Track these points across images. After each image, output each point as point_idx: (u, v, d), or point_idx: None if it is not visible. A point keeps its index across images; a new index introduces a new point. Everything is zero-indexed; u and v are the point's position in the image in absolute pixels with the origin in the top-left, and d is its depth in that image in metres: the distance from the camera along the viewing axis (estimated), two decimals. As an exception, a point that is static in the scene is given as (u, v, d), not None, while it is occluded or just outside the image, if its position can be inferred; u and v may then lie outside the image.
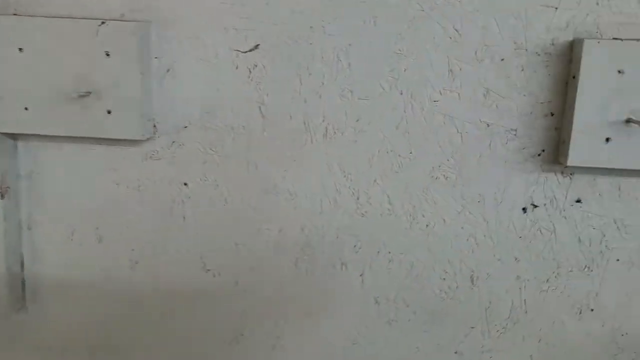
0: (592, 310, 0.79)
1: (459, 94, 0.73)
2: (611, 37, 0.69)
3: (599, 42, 0.67)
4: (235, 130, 0.78)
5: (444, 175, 0.76)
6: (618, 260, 0.77)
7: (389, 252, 0.80)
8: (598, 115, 0.68)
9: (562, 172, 0.75)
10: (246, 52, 0.75)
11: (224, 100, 0.77)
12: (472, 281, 0.80)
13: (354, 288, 0.81)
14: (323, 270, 0.81)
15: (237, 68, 0.76)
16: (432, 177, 0.76)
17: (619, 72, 0.67)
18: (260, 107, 0.76)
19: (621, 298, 0.78)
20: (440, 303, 0.81)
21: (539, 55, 0.71)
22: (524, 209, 0.76)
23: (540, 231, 0.77)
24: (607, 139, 0.69)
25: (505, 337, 0.81)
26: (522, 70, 0.72)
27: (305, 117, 0.76)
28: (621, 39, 0.67)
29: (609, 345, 0.79)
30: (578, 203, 0.75)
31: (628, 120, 0.68)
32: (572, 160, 0.70)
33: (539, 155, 0.74)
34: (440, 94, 0.74)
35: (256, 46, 0.75)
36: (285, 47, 0.74)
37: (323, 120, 0.76)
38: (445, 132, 0.75)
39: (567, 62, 0.70)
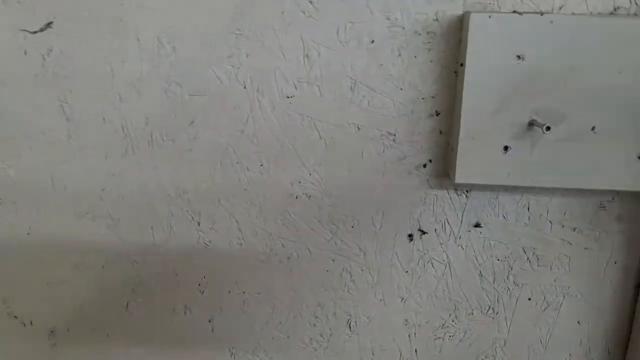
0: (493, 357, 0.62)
1: (318, 87, 0.55)
2: (511, 10, 0.51)
3: (490, 17, 0.49)
4: (32, 139, 0.58)
5: (306, 194, 0.58)
6: (530, 299, 0.60)
7: (243, 292, 0.62)
8: (492, 116, 0.51)
9: (455, 189, 0.57)
10: (36, 32, 0.56)
11: (13, 98, 0.57)
12: (349, 327, 0.62)
13: (203, 337, 0.63)
14: (160, 314, 0.63)
15: (25, 54, 0.56)
16: (292, 195, 0.58)
17: (519, 57, 0.49)
18: (62, 107, 0.57)
19: (534, 346, 0.61)
20: (311, 355, 0.63)
21: (419, 34, 0.53)
22: (410, 236, 0.59)
23: (432, 264, 0.59)
24: (506, 148, 0.51)
25: (394, 395, 0.64)
26: (399, 55, 0.54)
27: (122, 119, 0.57)
28: (520, 13, 0.49)
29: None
30: (477, 228, 0.58)
31: (531, 123, 0.50)
32: (461, 175, 0.53)
33: (424, 166, 0.56)
34: (295, 87, 0.55)
35: (48, 24, 0.55)
36: (87, 25, 0.55)
37: (146, 124, 0.57)
38: (305, 137, 0.56)
39: (456, 44, 0.53)
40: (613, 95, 0.49)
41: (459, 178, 0.53)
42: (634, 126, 0.50)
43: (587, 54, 0.49)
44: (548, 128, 0.48)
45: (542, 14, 0.49)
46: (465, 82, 0.50)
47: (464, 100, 0.51)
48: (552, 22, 0.48)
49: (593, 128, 0.50)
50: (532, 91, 0.50)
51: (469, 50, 0.50)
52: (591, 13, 0.51)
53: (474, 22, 0.49)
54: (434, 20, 0.53)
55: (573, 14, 0.50)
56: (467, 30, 0.49)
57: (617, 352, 0.60)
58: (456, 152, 0.52)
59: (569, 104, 0.50)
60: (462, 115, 0.51)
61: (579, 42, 0.48)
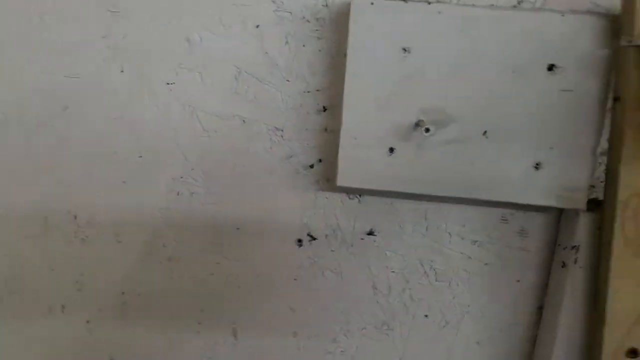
0: (394, 381, 0.57)
1: (200, 74, 0.50)
2: None
3: (372, 4, 0.44)
4: None
5: (188, 190, 0.53)
6: (427, 316, 0.55)
7: (122, 293, 0.57)
8: (376, 114, 0.46)
9: (347, 193, 0.52)
10: None
11: None
12: (234, 335, 0.57)
13: (80, 339, 0.59)
14: (36, 312, 0.58)
15: None
16: (172, 191, 0.53)
17: (405, 50, 0.45)
18: None
19: (431, 367, 0.56)
20: (194, 363, 0.58)
21: (308, 21, 0.49)
22: (299, 241, 0.54)
23: (322, 272, 0.54)
24: (391, 149, 0.47)
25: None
26: (286, 43, 0.49)
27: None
28: (406, 0, 0.44)
29: None
30: (371, 236, 0.53)
31: (418, 124, 0.45)
32: (343, 178, 0.48)
33: (311, 167, 0.52)
34: (177, 73, 0.51)
35: None
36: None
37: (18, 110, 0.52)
38: (186, 128, 0.52)
39: (346, 32, 0.48)
40: (507, 96, 0.45)
41: (341, 181, 0.48)
42: (530, 132, 0.45)
43: (479, 49, 0.44)
44: (427, 130, 0.43)
45: (429, 3, 0.44)
46: (346, 76, 0.46)
47: (345, 96, 0.46)
48: (440, 12, 0.44)
49: (485, 132, 0.45)
50: (418, 88, 0.45)
51: (350, 40, 0.45)
52: (493, 5, 0.46)
53: (356, 9, 0.44)
54: (323, 6, 0.48)
55: (473, 5, 0.46)
56: (349, 18, 0.44)
57: (519, 377, 0.56)
58: (336, 152, 0.47)
59: (458, 105, 0.45)
60: (343, 112, 0.46)
61: (470, 36, 0.44)
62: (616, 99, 0.43)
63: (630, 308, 0.44)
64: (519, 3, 0.47)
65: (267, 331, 0.57)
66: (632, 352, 0.45)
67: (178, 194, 0.54)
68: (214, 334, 0.57)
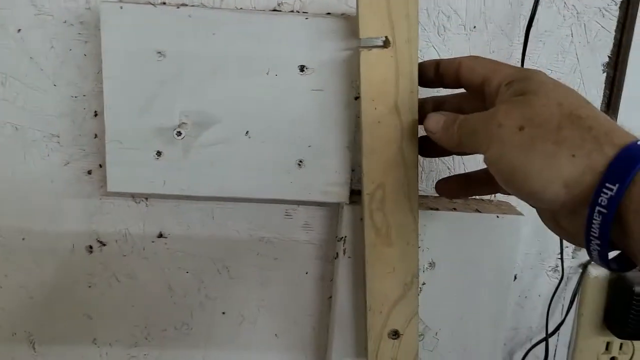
0: (199, 379, 0.58)
1: (-37, 81, 0.48)
2: (145, 1, 0.46)
3: (122, 8, 0.44)
4: None
5: (-36, 202, 0.50)
6: (224, 313, 0.56)
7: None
8: (139, 117, 0.46)
9: (132, 196, 0.52)
10: None
11: None
12: (33, 348, 0.55)
13: None
14: None
15: None
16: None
17: (159, 53, 0.45)
18: None
19: (235, 362, 0.57)
20: (-8, 381, 0.56)
21: (72, 25, 0.47)
22: (90, 248, 0.53)
23: (116, 277, 0.54)
24: (159, 153, 0.47)
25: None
26: (52, 47, 0.48)
27: None
28: (154, 4, 0.44)
29: None
30: (161, 238, 0.53)
31: (180, 129, 0.45)
32: (113, 183, 0.47)
33: (89, 173, 0.51)
34: (-63, 80, 0.48)
35: None
36: None
37: None
38: (-46, 138, 0.49)
39: (111, 37, 0.47)
40: (264, 97, 0.46)
41: (112, 186, 0.48)
42: (289, 131, 0.47)
43: (232, 52, 0.45)
44: (179, 133, 0.44)
45: (179, 6, 0.44)
46: (104, 81, 0.45)
47: (105, 100, 0.46)
48: (190, 16, 0.44)
49: (247, 132, 0.47)
50: (177, 91, 0.45)
51: (103, 45, 0.44)
52: (241, 9, 0.47)
53: (106, 13, 0.44)
54: (86, 9, 0.47)
55: (221, 8, 0.46)
56: (100, 23, 0.44)
57: (318, 365, 0.58)
58: (104, 157, 0.47)
59: (218, 107, 0.46)
60: (105, 116, 0.46)
61: (222, 39, 0.44)
62: (357, 98, 0.45)
63: (387, 294, 0.47)
64: (279, 5, 0.48)
65: (66, 340, 0.56)
66: (394, 333, 0.48)
67: (-45, 206, 0.51)
68: (12, 349, 0.56)
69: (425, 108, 0.43)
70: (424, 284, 0.51)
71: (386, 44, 0.42)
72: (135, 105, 0.45)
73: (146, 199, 0.52)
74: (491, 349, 0.53)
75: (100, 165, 0.51)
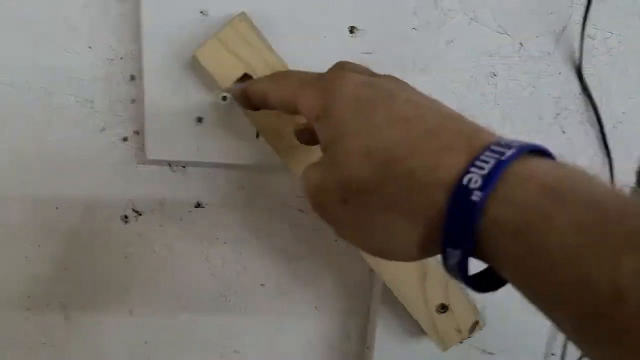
0: (236, 352, 0.57)
1: (-7, 43, 0.46)
2: None
3: (162, -37, 0.41)
4: None
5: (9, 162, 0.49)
6: (262, 285, 0.54)
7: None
8: (179, 81, 0.44)
9: (169, 164, 0.50)
10: None
11: None
12: (67, 318, 0.54)
13: None
14: None
15: None
16: (-21, 172, 0.49)
17: (202, 13, 0.42)
18: None
19: (272, 334, 0.56)
20: (29, 353, 0.55)
21: (103, -17, 0.45)
22: (125, 218, 0.51)
23: (153, 248, 0.52)
24: (199, 119, 0.45)
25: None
26: (86, 6, 0.45)
27: None
28: (197, -41, 0.42)
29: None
30: (199, 208, 0.51)
31: (225, 93, 0.43)
32: (152, 150, 0.46)
33: (124, 139, 0.49)
34: (-33, 42, 0.46)
35: None
36: None
37: None
38: (-15, 102, 0.47)
39: (148, -5, 0.44)
40: (312, 61, 0.43)
41: (151, 154, 0.46)
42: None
43: (277, 12, 0.42)
44: (224, 98, 0.42)
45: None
46: (143, 41, 0.43)
47: (144, 63, 0.43)
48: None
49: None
50: (220, 53, 0.43)
51: (142, 2, 0.42)
52: None
53: (145, -33, 0.41)
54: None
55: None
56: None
57: (356, 338, 0.57)
58: (141, 123, 0.45)
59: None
60: (144, 80, 0.44)
61: (266, -3, 0.42)
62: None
63: (409, 277, 0.46)
64: None
65: (101, 311, 0.55)
66: (441, 307, 0.47)
67: (-10, 171, 0.49)
68: (45, 319, 0.55)
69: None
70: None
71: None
72: (176, 68, 0.43)
73: (183, 167, 0.50)
74: (537, 323, 0.51)
75: (137, 132, 0.49)
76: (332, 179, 0.26)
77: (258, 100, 0.35)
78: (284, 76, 0.34)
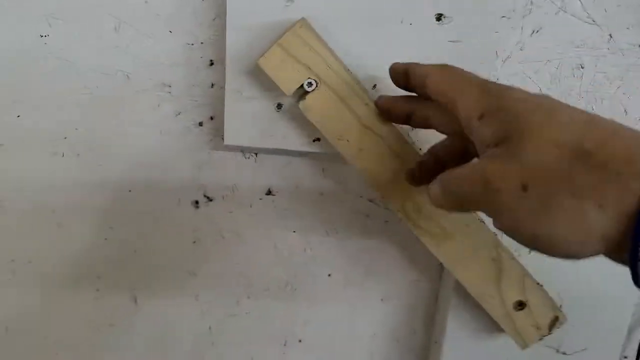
0: (300, 341, 0.57)
1: (76, 25, 0.46)
2: None
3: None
4: None
5: (73, 152, 0.50)
6: (330, 275, 0.54)
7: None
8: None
9: (242, 151, 0.50)
10: None
11: None
12: (135, 302, 0.55)
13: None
14: None
15: None
16: (56, 153, 0.50)
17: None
18: None
19: (336, 325, 0.56)
20: (95, 332, 0.56)
21: (190, -34, 0.45)
22: (196, 203, 0.51)
23: (221, 234, 0.52)
24: (279, 105, 0.44)
25: (189, 375, 0.58)
26: (167, -10, 0.45)
27: None
28: (286, -57, 0.41)
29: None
30: (269, 196, 0.51)
31: (311, 79, 0.43)
32: (230, 136, 0.46)
33: (200, 124, 0.49)
34: (50, 24, 0.46)
35: None
36: None
37: None
38: (65, 85, 0.48)
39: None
40: (396, 50, 0.42)
41: (229, 139, 0.46)
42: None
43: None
44: (310, 84, 0.41)
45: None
46: (227, 26, 0.42)
47: (227, 48, 0.43)
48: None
49: (374, 86, 0.44)
50: (304, 40, 0.42)
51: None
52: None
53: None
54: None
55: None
56: (227, -38, 0.41)
57: (423, 332, 0.56)
58: (222, 109, 0.44)
59: (345, 57, 0.43)
60: (227, 65, 0.43)
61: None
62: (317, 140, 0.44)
63: (484, 278, 0.45)
64: None
65: (168, 295, 0.55)
66: (519, 304, 0.46)
67: (63, 156, 0.50)
68: (113, 301, 0.55)
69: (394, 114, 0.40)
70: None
71: (315, 84, 0.40)
72: (259, 54, 0.42)
73: (256, 154, 0.50)
74: (616, 324, 0.50)
75: (212, 118, 0.49)
76: (514, 166, 0.27)
77: (417, 82, 0.36)
78: (450, 69, 0.34)
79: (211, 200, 0.52)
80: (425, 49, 0.42)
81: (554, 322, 0.46)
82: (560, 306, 0.48)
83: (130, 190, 0.51)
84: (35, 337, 0.56)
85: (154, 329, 0.56)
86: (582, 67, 0.47)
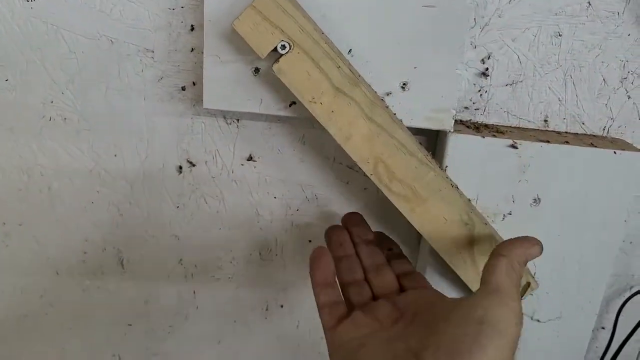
0: (281, 306, 0.58)
1: (60, -10, 0.47)
2: None
3: None
4: None
5: (60, 116, 0.51)
6: (310, 241, 0.55)
7: (4, 223, 0.55)
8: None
9: (224, 116, 0.51)
10: None
11: None
12: (122, 265, 0.57)
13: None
14: None
15: None
16: (44, 117, 0.51)
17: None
18: None
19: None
20: (84, 295, 0.58)
21: None
22: (179, 168, 0.53)
23: (205, 199, 0.54)
24: (257, 70, 0.45)
25: (174, 337, 0.60)
26: (149, -44, 0.46)
27: None
28: None
29: (298, 347, 0.59)
30: (251, 161, 0.52)
31: (284, 42, 0.43)
32: (209, 99, 0.46)
33: (183, 89, 0.50)
34: (35, -11, 0.47)
35: None
36: None
37: None
38: (52, 50, 0.49)
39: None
40: (369, 13, 0.43)
41: (208, 102, 0.46)
42: (395, 50, 0.44)
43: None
44: (283, 47, 0.42)
45: None
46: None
47: (205, 12, 0.44)
48: None
49: (350, 51, 0.44)
50: (280, 3, 0.43)
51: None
52: None
53: None
54: None
55: None
56: None
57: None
58: (201, 73, 0.45)
59: (321, 22, 0.43)
60: (204, 29, 0.44)
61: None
62: (293, 103, 0.43)
63: (457, 243, 0.46)
64: None
65: (154, 259, 0.56)
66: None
67: (50, 119, 0.51)
68: (101, 264, 0.57)
69: None
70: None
71: (288, 46, 0.41)
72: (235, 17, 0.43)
73: (237, 120, 0.51)
74: (591, 294, 0.50)
75: (194, 83, 0.50)
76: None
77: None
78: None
79: (194, 165, 0.53)
80: (399, 14, 0.43)
81: (526, 288, 0.47)
82: (535, 274, 0.49)
83: (115, 155, 0.53)
84: (27, 296, 0.57)
85: (139, 291, 0.57)
86: (560, 35, 0.47)
